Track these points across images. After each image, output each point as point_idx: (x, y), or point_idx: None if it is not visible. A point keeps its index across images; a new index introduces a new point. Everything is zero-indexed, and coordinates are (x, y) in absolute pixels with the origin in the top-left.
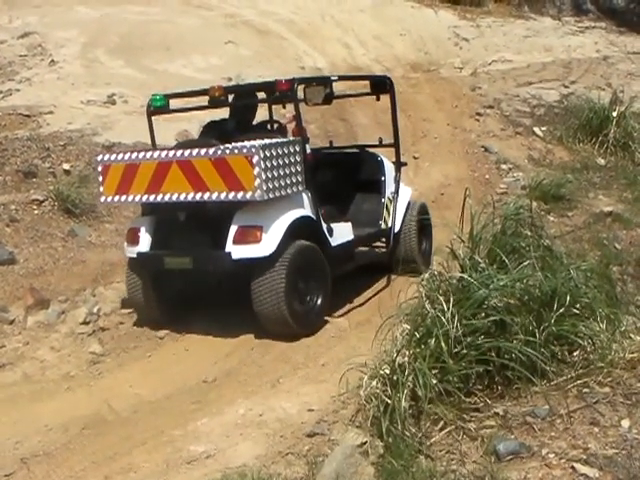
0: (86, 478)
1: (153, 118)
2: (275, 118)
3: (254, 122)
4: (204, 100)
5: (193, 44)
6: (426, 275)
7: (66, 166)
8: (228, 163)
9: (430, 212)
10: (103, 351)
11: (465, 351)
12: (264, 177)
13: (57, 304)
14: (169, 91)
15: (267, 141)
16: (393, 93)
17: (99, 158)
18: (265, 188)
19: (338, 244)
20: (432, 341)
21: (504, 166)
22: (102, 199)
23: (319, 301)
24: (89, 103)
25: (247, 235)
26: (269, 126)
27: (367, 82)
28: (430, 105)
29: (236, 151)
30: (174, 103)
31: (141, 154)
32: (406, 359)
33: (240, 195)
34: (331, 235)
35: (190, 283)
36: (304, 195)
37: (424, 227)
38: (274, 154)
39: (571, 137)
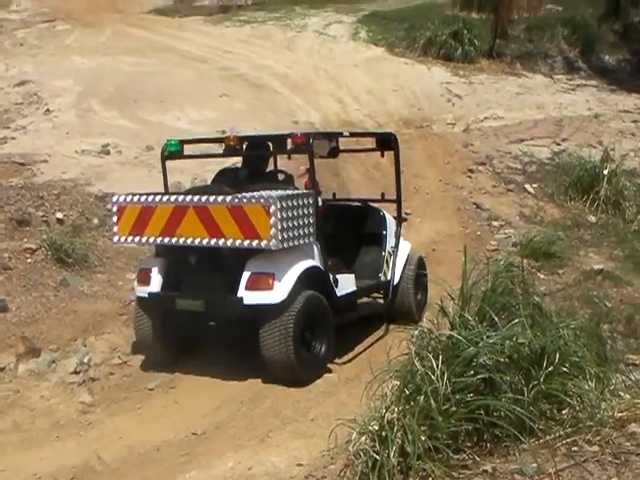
0: None
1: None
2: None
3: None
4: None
5: (187, 96)
6: (416, 332)
7: (59, 215)
8: (245, 211)
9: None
10: (93, 401)
11: (454, 408)
12: (279, 227)
13: (48, 353)
14: (163, 142)
15: (284, 192)
16: (397, 150)
17: (114, 199)
18: (280, 238)
19: (342, 294)
20: (421, 398)
21: (495, 223)
22: (115, 239)
23: (323, 349)
24: (83, 153)
25: (260, 282)
26: (278, 176)
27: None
28: (422, 161)
29: (253, 200)
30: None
31: (157, 197)
32: (395, 415)
33: (255, 243)
34: (336, 286)
35: (194, 327)
36: (314, 246)
37: (421, 280)
38: (290, 205)
39: (562, 194)
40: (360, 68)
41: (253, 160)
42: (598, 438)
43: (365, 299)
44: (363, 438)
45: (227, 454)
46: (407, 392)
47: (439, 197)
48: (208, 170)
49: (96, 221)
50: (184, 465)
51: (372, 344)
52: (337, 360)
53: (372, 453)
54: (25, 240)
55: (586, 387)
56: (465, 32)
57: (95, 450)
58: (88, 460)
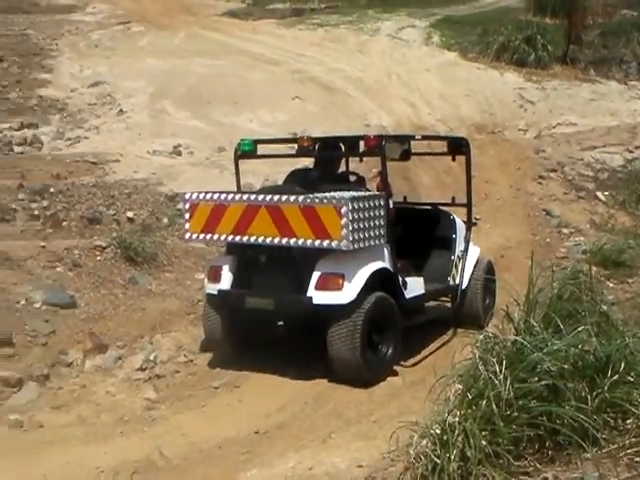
0: None
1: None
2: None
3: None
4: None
5: (260, 98)
6: (481, 337)
7: (130, 214)
8: (317, 212)
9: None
10: (158, 398)
11: (516, 414)
12: (351, 228)
13: (115, 349)
14: (235, 144)
15: (355, 194)
16: (469, 155)
17: (187, 196)
18: (351, 238)
19: (411, 297)
20: (483, 402)
21: (565, 230)
22: (187, 236)
23: (390, 351)
24: (155, 153)
25: (329, 282)
26: (349, 177)
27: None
28: (493, 167)
29: (325, 201)
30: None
31: (230, 196)
32: (457, 419)
33: (326, 243)
34: (405, 288)
35: (262, 325)
36: (384, 248)
37: (489, 285)
38: (361, 207)
39: (634, 202)
40: (433, 73)
41: (325, 161)
42: None
43: (433, 302)
44: (424, 441)
45: (288, 453)
46: (470, 396)
47: (509, 203)
48: (279, 172)
49: (166, 221)
50: (245, 463)
51: (438, 348)
52: (403, 363)
53: (432, 456)
54: (95, 238)
55: None
56: (538, 37)
57: (158, 446)
58: (150, 455)
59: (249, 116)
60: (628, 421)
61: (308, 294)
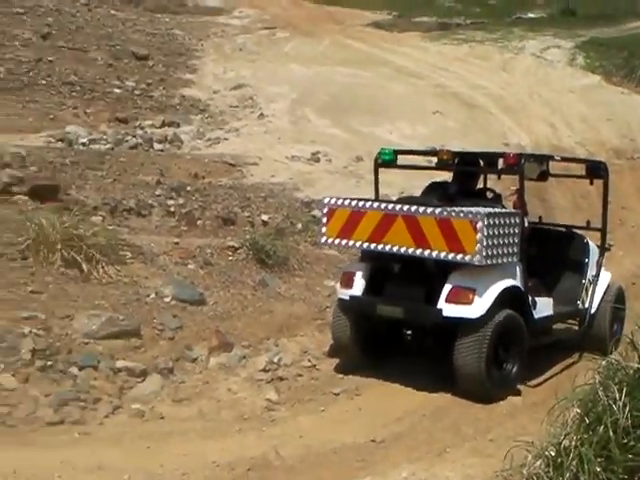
0: None
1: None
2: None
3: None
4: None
5: (401, 110)
6: (603, 362)
7: (264, 217)
8: (452, 225)
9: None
10: (279, 399)
11: (633, 443)
12: (485, 243)
13: (240, 349)
14: (373, 154)
15: (492, 210)
16: (607, 179)
17: (326, 200)
18: (484, 254)
19: (539, 317)
20: (601, 428)
21: None
22: (323, 239)
23: (514, 369)
24: (293, 159)
25: (460, 296)
26: (487, 194)
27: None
28: (631, 193)
29: (462, 215)
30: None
31: (368, 203)
32: (573, 443)
33: (460, 257)
34: (534, 308)
35: (390, 333)
36: (517, 266)
37: (618, 312)
38: (497, 223)
39: None
40: (575, 94)
41: (463, 176)
42: None
43: (560, 325)
44: (538, 462)
45: (402, 464)
46: (587, 421)
47: None
48: (415, 186)
49: (300, 226)
50: (359, 470)
51: (562, 370)
52: (527, 382)
53: (545, 478)
54: (229, 238)
55: None
56: None
57: (274, 445)
58: (266, 454)
59: (389, 127)
60: None
61: (438, 306)
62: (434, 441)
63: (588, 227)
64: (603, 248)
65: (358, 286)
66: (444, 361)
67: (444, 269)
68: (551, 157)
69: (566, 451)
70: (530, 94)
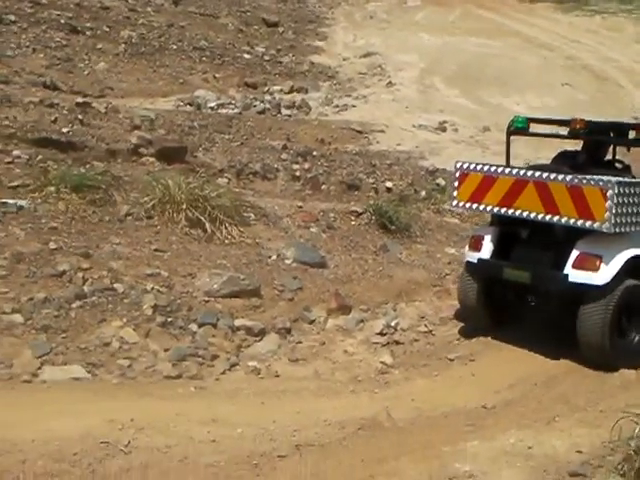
0: (352, 473)
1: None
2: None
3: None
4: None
5: (529, 82)
6: None
7: (389, 184)
8: (583, 192)
9: None
10: (393, 363)
11: None
12: (615, 211)
13: (358, 312)
14: (500, 125)
15: (623, 179)
16: None
17: (458, 165)
18: (614, 222)
19: None
20: None
21: None
22: (454, 203)
23: (637, 339)
24: (420, 127)
25: (587, 262)
26: (616, 165)
27: None
28: None
29: (592, 182)
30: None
31: (500, 168)
32: None
33: (589, 224)
34: None
35: (516, 297)
36: None
37: None
38: (627, 192)
39: None
40: None
41: (594, 146)
42: None
43: None
44: None
45: (511, 430)
46: None
47: None
48: (541, 157)
49: (424, 193)
50: (468, 434)
51: None
52: None
53: None
54: (352, 203)
55: None
56: None
57: (386, 407)
58: (377, 415)
59: (516, 99)
60: None
61: (565, 271)
62: (544, 410)
63: None
64: None
65: (486, 249)
66: (564, 329)
67: (572, 235)
68: None
69: None
70: None
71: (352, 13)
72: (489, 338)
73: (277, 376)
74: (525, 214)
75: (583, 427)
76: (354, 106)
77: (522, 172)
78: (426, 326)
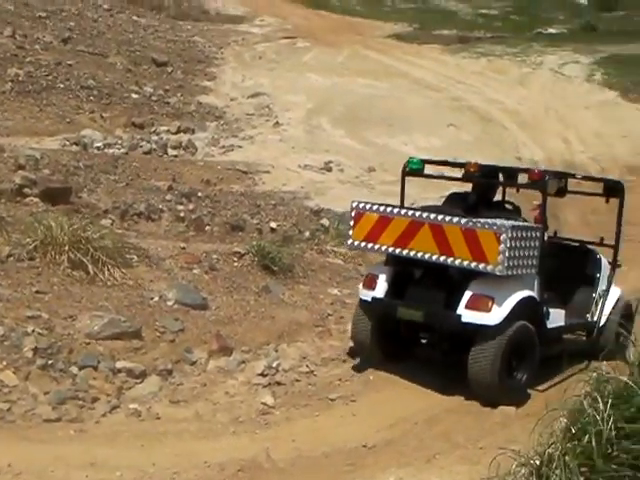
0: None
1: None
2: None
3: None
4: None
5: (416, 123)
6: (594, 374)
7: (273, 225)
8: (477, 235)
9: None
10: (274, 404)
11: (617, 453)
12: (507, 254)
13: (240, 353)
14: (386, 166)
15: (515, 223)
16: (623, 198)
17: (354, 204)
18: (506, 265)
19: (552, 327)
20: (585, 439)
21: None
22: (349, 242)
23: (524, 378)
24: (306, 168)
25: (480, 303)
26: (506, 206)
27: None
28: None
29: (487, 226)
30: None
31: (395, 209)
32: (557, 452)
33: (482, 266)
34: (547, 318)
35: (408, 336)
36: (535, 278)
37: (626, 323)
38: (519, 235)
39: None
40: (591, 110)
41: (485, 188)
42: None
43: (571, 335)
44: (523, 470)
45: (391, 469)
46: (573, 431)
47: None
48: (428, 197)
49: (307, 234)
50: (348, 474)
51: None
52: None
53: None
54: (235, 244)
55: None
56: None
57: (266, 448)
58: (257, 456)
59: (403, 139)
60: None
61: (458, 312)
62: (424, 448)
63: (601, 243)
64: (615, 264)
65: (380, 288)
66: (450, 367)
67: (465, 276)
68: (572, 175)
69: (550, 460)
70: (546, 109)
71: (241, 53)
72: (371, 378)
73: (158, 418)
74: (420, 255)
75: (463, 464)
76: (240, 147)
77: (417, 214)
78: (308, 366)
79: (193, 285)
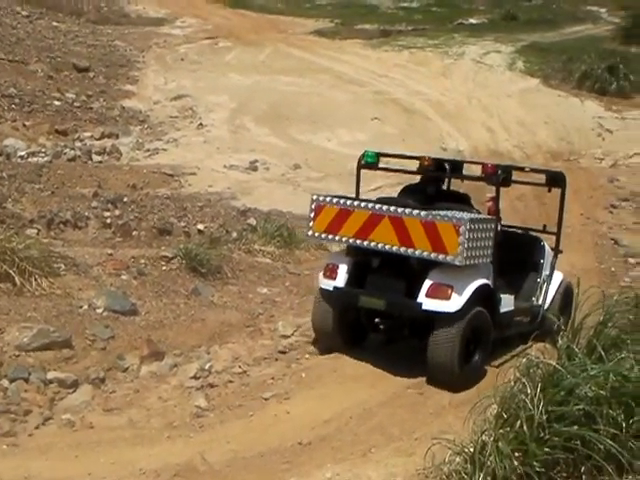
0: None
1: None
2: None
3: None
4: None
5: (340, 118)
6: (523, 360)
7: (200, 227)
8: (437, 227)
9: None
10: (208, 406)
11: (548, 437)
12: (466, 245)
13: (171, 357)
14: (311, 162)
15: (473, 216)
16: (564, 188)
17: (314, 197)
18: (465, 255)
19: (503, 312)
20: (517, 424)
21: (632, 260)
22: (309, 233)
23: (481, 360)
24: (231, 168)
25: (439, 291)
26: (456, 196)
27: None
28: (566, 195)
29: (446, 219)
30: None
31: (356, 202)
32: (491, 439)
33: (441, 257)
34: (499, 304)
35: (367, 324)
36: (489, 267)
37: (567, 308)
38: (476, 227)
39: None
40: (514, 98)
41: (436, 180)
42: None
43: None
44: (458, 459)
45: (327, 465)
46: (505, 417)
47: (578, 231)
48: (369, 190)
49: (235, 234)
50: (284, 472)
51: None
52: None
53: (464, 474)
54: (163, 248)
55: None
56: (621, 66)
57: (201, 452)
58: (192, 460)
59: (327, 135)
60: None
61: (418, 300)
62: (360, 442)
63: (544, 230)
64: (557, 250)
65: (341, 278)
66: (377, 361)
67: (424, 266)
68: (522, 168)
69: (484, 447)
70: (469, 99)
71: (163, 56)
72: (303, 375)
73: (91, 427)
74: (380, 246)
75: (398, 456)
76: (165, 149)
77: (378, 206)
78: (240, 367)
79: (122, 291)
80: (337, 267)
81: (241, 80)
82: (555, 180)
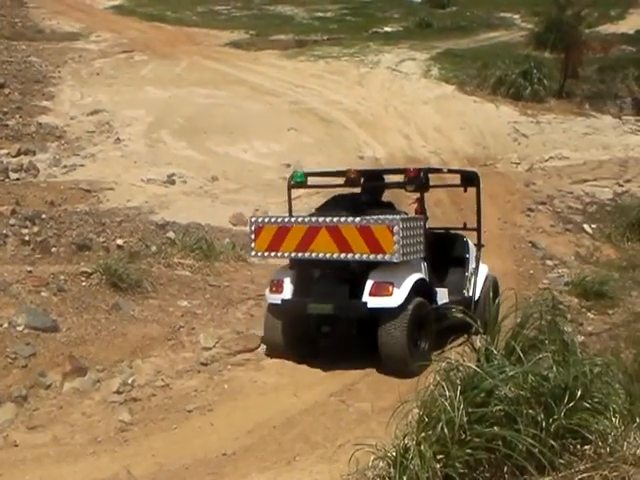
0: None
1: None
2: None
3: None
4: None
5: (256, 129)
6: (443, 364)
7: (120, 241)
8: (372, 230)
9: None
10: (132, 420)
11: (469, 438)
12: (401, 243)
13: (94, 373)
14: (228, 174)
15: (404, 216)
16: (479, 186)
17: (253, 219)
18: (401, 252)
19: (439, 305)
20: (439, 427)
21: (550, 262)
22: (253, 253)
23: (427, 346)
24: (149, 182)
25: (381, 289)
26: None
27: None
28: (483, 199)
29: (379, 221)
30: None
31: (292, 218)
32: (413, 443)
33: (380, 256)
34: (436, 297)
35: (316, 329)
36: (422, 262)
37: (494, 298)
38: (408, 226)
39: (620, 235)
40: (429, 105)
41: (370, 189)
42: (615, 474)
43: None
44: (382, 464)
45: (252, 474)
46: (426, 421)
47: (496, 235)
48: (270, 202)
49: (154, 248)
50: None
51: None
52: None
53: (387, 479)
54: (82, 264)
55: (607, 423)
56: (535, 72)
57: (126, 466)
58: (118, 474)
59: (244, 146)
60: (587, 446)
61: (363, 300)
62: (283, 451)
63: (465, 228)
64: (479, 245)
65: (288, 290)
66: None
67: (364, 268)
68: (440, 170)
69: (407, 451)
70: (385, 107)
71: (79, 70)
72: (225, 387)
73: (16, 445)
74: (321, 255)
75: (322, 463)
76: (83, 165)
77: (314, 219)
78: (163, 380)
79: (42, 308)
80: (282, 281)
81: (157, 94)
82: (469, 179)
